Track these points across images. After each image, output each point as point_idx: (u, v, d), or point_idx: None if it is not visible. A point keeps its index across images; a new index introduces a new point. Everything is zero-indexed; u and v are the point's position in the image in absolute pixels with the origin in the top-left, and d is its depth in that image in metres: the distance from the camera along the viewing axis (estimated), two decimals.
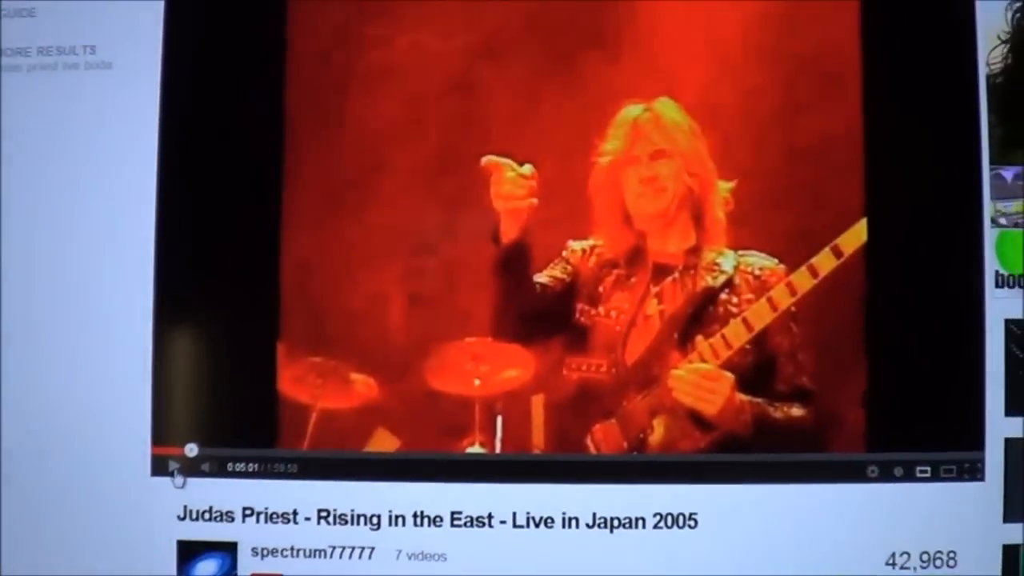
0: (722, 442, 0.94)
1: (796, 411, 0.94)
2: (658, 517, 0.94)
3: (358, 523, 0.94)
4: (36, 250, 0.96)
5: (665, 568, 0.93)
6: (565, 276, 0.97)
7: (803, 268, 0.93)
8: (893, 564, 0.92)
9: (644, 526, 0.94)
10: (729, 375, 0.94)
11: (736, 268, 0.96)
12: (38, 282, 0.96)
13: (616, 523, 0.94)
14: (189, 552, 0.95)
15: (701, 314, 0.96)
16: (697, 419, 0.95)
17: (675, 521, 0.94)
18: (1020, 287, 0.93)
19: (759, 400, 0.94)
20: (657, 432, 0.95)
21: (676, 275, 0.97)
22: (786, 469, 0.93)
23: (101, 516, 0.96)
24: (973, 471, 0.92)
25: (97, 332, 0.95)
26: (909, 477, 0.92)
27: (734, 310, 0.95)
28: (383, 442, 0.95)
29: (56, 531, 0.96)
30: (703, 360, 0.95)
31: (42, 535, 0.96)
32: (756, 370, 0.95)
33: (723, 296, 0.96)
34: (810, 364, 0.94)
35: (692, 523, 0.94)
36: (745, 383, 0.94)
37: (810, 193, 0.94)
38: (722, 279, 0.96)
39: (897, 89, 0.94)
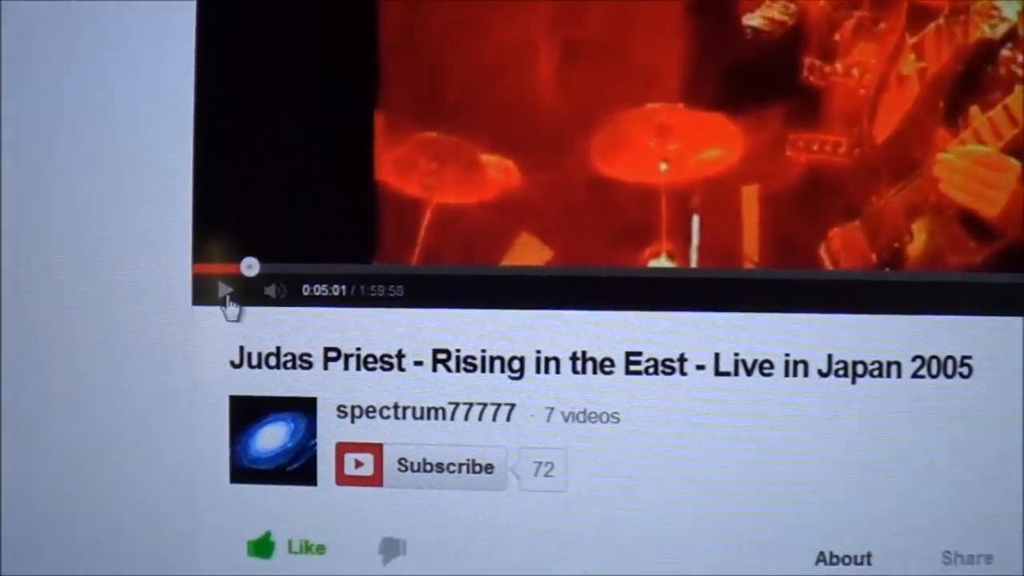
0: (1006, 255, 0.66)
1: None
2: (919, 362, 0.66)
3: (491, 369, 0.66)
4: None
5: (931, 423, 0.66)
6: (787, 18, 0.67)
7: None
8: None
9: (899, 373, 0.66)
10: (1015, 162, 0.67)
11: (1022, 14, 0.67)
12: None
13: (860, 369, 0.66)
14: (247, 412, 0.67)
15: (975, 76, 0.68)
16: (972, 222, 0.67)
17: (942, 367, 0.66)
18: None
19: None
20: (918, 240, 0.67)
21: (940, 21, 0.68)
22: None
23: (127, 359, 0.67)
24: None
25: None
26: None
27: (1020, 72, 0.67)
28: (528, 253, 0.67)
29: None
30: (980, 141, 0.67)
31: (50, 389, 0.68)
32: None
33: (1005, 52, 0.68)
34: None
35: (965, 369, 0.66)
36: None
37: None
38: (1003, 28, 0.68)
39: None
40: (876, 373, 0.67)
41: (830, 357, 0.67)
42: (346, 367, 0.67)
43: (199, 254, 0.68)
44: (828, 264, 0.67)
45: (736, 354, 0.67)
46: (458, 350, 0.67)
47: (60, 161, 0.68)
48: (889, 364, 0.67)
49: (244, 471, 0.68)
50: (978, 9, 0.68)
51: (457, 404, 0.67)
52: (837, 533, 0.67)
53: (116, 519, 0.69)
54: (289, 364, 0.68)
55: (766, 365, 0.67)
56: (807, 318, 0.67)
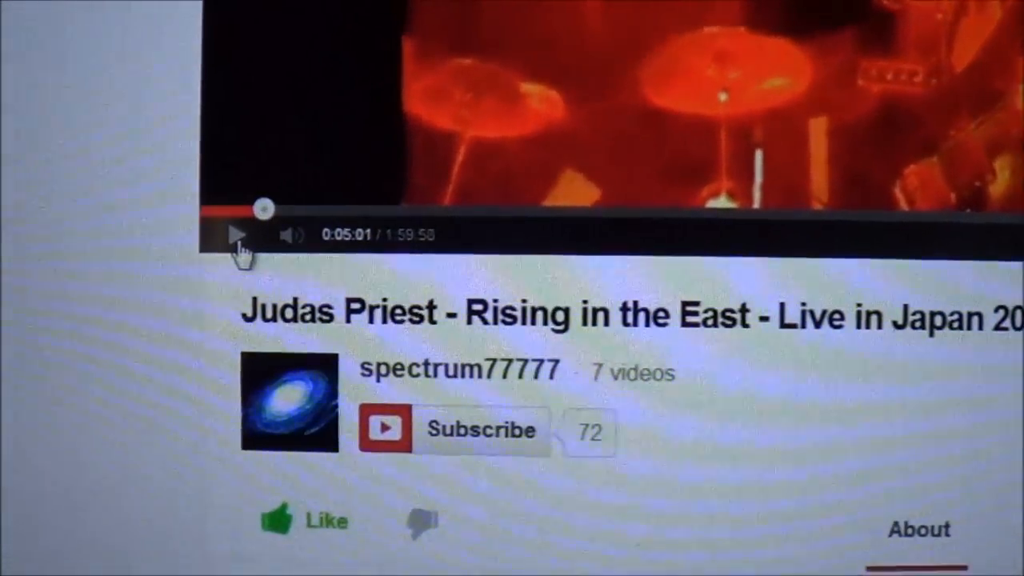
0: None
1: None
2: (1002, 312, 0.60)
3: (533, 321, 0.60)
4: None
5: (1016, 380, 0.59)
6: None
7: None
8: None
9: (981, 325, 0.60)
10: None
11: None
12: None
13: (939, 321, 0.60)
14: (260, 371, 0.60)
15: None
16: None
17: None
18: None
19: None
20: (1001, 179, 0.61)
21: None
22: None
23: (126, 312, 0.60)
24: None
25: None
26: None
27: None
28: (573, 191, 0.60)
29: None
30: None
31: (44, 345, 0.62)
32: None
33: None
34: None
35: None
36: None
37: None
38: None
39: None
40: (956, 325, 0.61)
41: (906, 307, 0.61)
42: (371, 320, 0.61)
43: (207, 195, 0.61)
44: (903, 204, 0.61)
45: (803, 304, 0.60)
46: (495, 300, 0.61)
47: (56, 89, 0.61)
48: (970, 315, 0.61)
49: (258, 436, 0.62)
50: None
51: (495, 361, 0.61)
52: (913, 502, 0.61)
53: (117, 491, 0.62)
54: (308, 317, 0.61)
55: (836, 316, 0.60)
56: (881, 264, 0.61)
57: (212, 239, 0.61)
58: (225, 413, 0.61)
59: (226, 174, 0.61)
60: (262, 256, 0.61)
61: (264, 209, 0.61)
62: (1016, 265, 0.61)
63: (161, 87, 0.61)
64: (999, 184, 0.61)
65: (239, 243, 0.61)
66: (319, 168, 0.61)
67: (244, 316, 0.61)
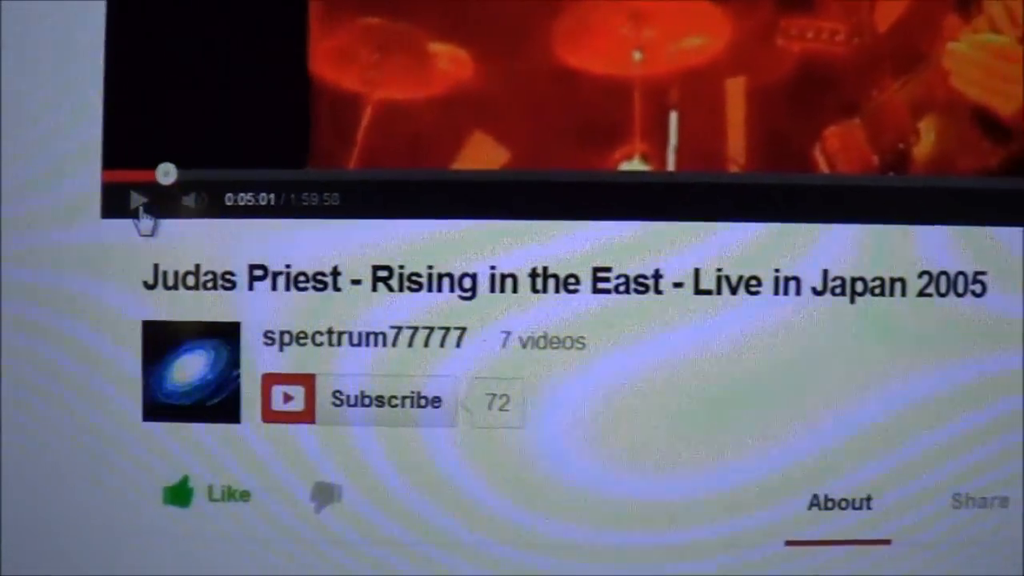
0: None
1: None
2: (926, 278, 0.58)
3: (440, 288, 0.58)
4: None
5: (939, 347, 0.58)
6: None
7: None
8: None
9: (904, 291, 0.58)
10: None
11: None
12: None
13: (860, 287, 0.58)
14: (162, 340, 0.59)
15: None
16: (986, 121, 0.59)
17: (952, 284, 0.58)
18: None
19: None
20: (925, 141, 0.59)
21: None
22: None
23: (24, 279, 0.58)
24: None
25: None
26: None
27: None
28: (482, 154, 0.58)
29: None
30: (995, 29, 0.59)
31: None
32: None
33: None
34: None
35: (978, 287, 0.58)
36: None
37: None
38: None
39: None
40: (877, 291, 0.59)
41: (826, 273, 0.59)
42: (274, 287, 0.59)
43: (109, 159, 0.59)
44: (824, 167, 0.59)
45: (719, 270, 0.59)
46: (401, 267, 0.59)
47: None
48: (892, 281, 0.59)
49: (159, 407, 0.60)
50: None
51: (400, 328, 0.59)
52: (833, 474, 0.59)
53: (13, 463, 0.60)
54: (210, 284, 0.59)
55: (753, 282, 0.59)
56: (800, 229, 0.59)
57: (114, 205, 0.59)
58: (125, 384, 0.60)
59: (128, 138, 0.59)
60: (164, 222, 0.59)
61: (166, 174, 0.59)
62: (941, 230, 0.59)
63: (64, 51, 0.59)
64: (923, 146, 0.60)
65: (141, 208, 0.59)
66: (223, 132, 0.59)
67: (145, 284, 0.60)
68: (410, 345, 0.59)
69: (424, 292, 0.59)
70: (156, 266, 0.60)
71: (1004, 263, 0.59)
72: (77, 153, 0.59)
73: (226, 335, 0.59)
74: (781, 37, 0.59)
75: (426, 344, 0.59)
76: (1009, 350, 0.59)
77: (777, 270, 0.59)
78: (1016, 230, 0.59)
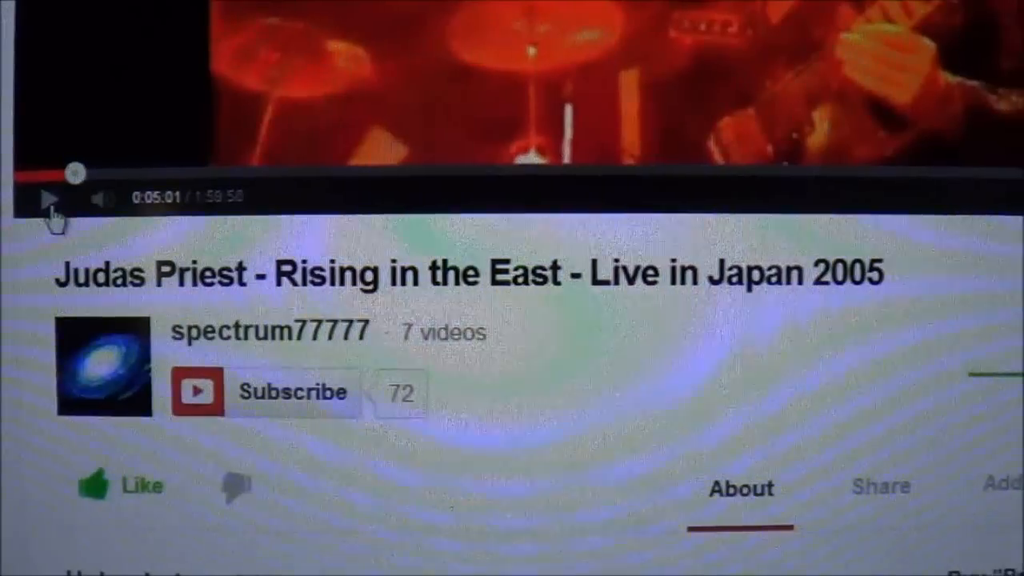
0: (919, 146, 0.58)
1: None
2: (822, 266, 0.58)
3: (342, 281, 0.59)
4: None
5: (837, 334, 0.58)
6: None
7: None
8: None
9: (801, 279, 0.58)
10: (928, 43, 0.60)
11: None
12: None
13: (757, 275, 0.59)
14: (75, 335, 0.60)
15: None
16: (881, 110, 0.59)
17: (849, 272, 0.59)
18: None
19: (973, 83, 0.58)
20: (819, 130, 0.59)
21: None
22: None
23: None
24: None
25: None
26: None
27: None
28: (380, 150, 0.59)
29: None
30: (888, 19, 0.59)
31: None
32: (969, 36, 0.59)
33: None
34: None
35: (875, 274, 0.59)
36: (951, 57, 0.58)
37: None
38: None
39: None
40: (774, 279, 0.60)
41: (722, 262, 0.59)
42: (181, 282, 0.60)
43: (20, 160, 0.60)
44: (718, 158, 0.60)
45: (616, 260, 0.59)
46: (304, 261, 0.60)
47: None
48: (789, 269, 0.60)
49: (73, 402, 0.61)
50: None
51: (304, 322, 0.60)
52: (731, 460, 0.60)
53: None
54: (119, 280, 0.60)
55: (650, 272, 0.59)
56: (695, 219, 0.59)
57: (26, 204, 0.61)
58: (40, 379, 0.61)
59: (38, 139, 0.61)
60: (75, 220, 0.61)
61: (75, 173, 0.60)
62: (837, 218, 0.60)
63: None
64: (818, 135, 0.60)
65: (52, 207, 0.61)
66: (129, 131, 0.60)
67: (57, 281, 0.61)
68: (314, 338, 0.60)
69: (327, 286, 0.60)
70: (68, 263, 0.61)
71: (900, 250, 0.60)
72: None
73: (137, 330, 0.61)
74: (674, 29, 0.60)
75: (330, 337, 0.60)
76: (906, 336, 0.60)
77: (674, 260, 0.59)
78: (912, 217, 0.60)
